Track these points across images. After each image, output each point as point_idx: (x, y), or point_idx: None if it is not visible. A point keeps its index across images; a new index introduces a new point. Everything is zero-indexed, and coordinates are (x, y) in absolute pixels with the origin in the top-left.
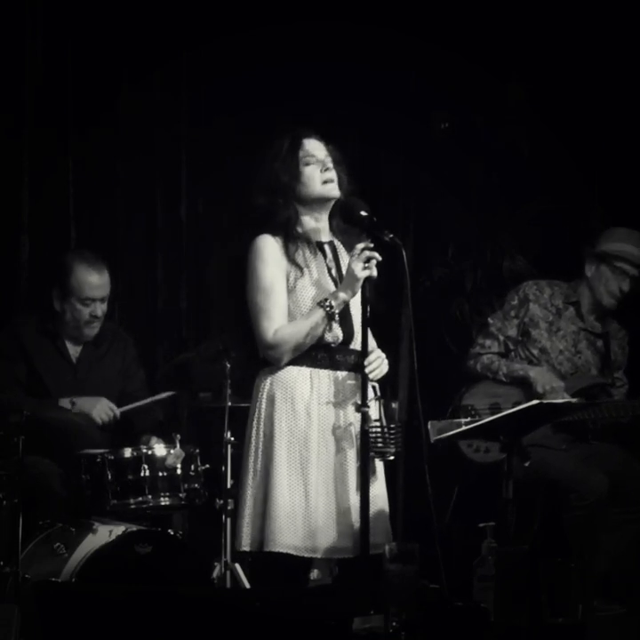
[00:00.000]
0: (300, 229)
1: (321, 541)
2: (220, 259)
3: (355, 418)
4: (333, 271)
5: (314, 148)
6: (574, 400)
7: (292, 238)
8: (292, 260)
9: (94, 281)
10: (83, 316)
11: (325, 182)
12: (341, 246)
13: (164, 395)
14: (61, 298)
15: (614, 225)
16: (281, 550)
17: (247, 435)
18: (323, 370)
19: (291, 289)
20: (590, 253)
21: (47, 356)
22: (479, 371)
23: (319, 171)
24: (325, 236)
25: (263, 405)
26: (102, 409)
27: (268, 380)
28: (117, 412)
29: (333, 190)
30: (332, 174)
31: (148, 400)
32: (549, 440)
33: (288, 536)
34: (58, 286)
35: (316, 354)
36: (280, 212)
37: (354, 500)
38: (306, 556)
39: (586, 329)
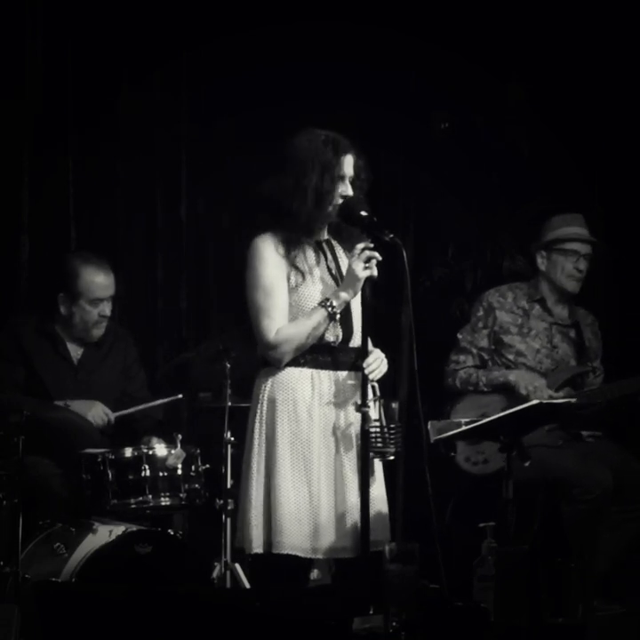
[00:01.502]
0: (303, 231)
1: (325, 542)
2: (220, 259)
3: (355, 418)
4: (333, 271)
5: (346, 166)
6: (573, 400)
7: (294, 239)
8: (292, 260)
9: (102, 281)
10: (92, 316)
11: (337, 205)
12: (338, 245)
13: (159, 401)
14: (69, 301)
15: (614, 225)
16: (289, 552)
17: (248, 437)
18: (323, 370)
19: (292, 289)
20: (537, 248)
21: (47, 358)
22: (459, 386)
23: (338, 194)
24: (323, 235)
25: (264, 408)
26: (97, 413)
27: (269, 382)
28: (112, 416)
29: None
30: (347, 201)
31: (142, 406)
32: (546, 438)
33: (294, 538)
34: (64, 291)
35: (317, 354)
36: (302, 215)
37: (354, 500)
38: (311, 556)
39: (556, 323)
